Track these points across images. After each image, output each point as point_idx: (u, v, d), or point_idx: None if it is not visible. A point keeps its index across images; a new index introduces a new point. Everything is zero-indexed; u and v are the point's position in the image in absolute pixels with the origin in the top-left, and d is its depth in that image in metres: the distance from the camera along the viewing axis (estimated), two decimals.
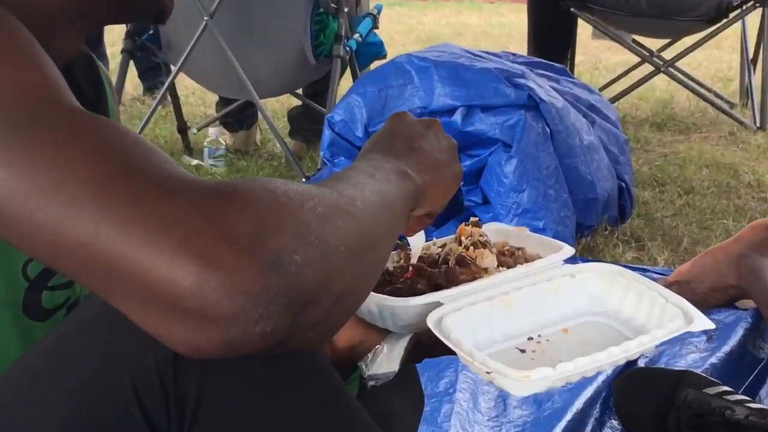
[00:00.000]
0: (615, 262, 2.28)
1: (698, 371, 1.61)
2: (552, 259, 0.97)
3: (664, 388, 1.53)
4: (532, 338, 0.92)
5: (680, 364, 1.74)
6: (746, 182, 3.06)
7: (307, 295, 0.61)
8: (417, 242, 1.00)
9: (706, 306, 1.87)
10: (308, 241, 0.61)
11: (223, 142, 3.38)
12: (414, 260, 1.00)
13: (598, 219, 2.53)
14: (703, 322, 0.85)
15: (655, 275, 2.09)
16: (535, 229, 2.22)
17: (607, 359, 0.80)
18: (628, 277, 0.95)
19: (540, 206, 2.37)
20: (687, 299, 1.93)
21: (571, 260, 1.00)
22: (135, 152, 0.63)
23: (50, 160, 0.61)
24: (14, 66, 0.65)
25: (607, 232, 2.54)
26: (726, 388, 1.51)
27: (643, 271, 2.17)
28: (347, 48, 3.13)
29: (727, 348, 1.79)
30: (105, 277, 0.61)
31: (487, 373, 0.79)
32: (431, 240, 1.04)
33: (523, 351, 0.91)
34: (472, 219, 1.05)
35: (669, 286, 1.69)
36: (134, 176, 0.61)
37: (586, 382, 1.58)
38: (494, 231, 1.06)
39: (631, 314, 0.93)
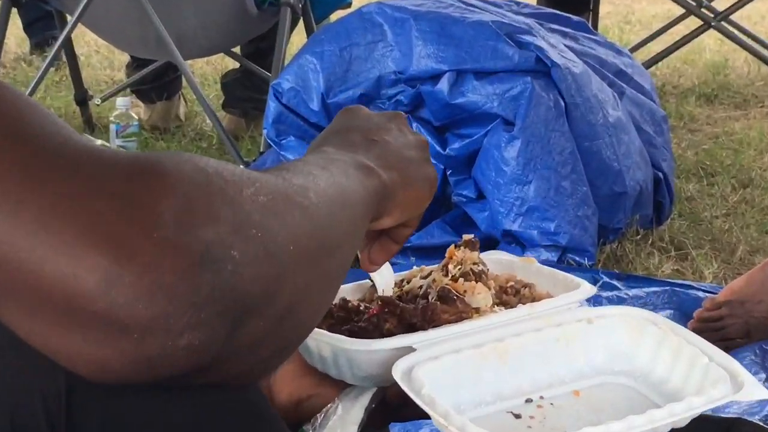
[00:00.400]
0: (648, 275, 2.15)
1: (755, 419, 1.53)
2: (565, 299, 0.91)
3: None
4: (531, 400, 0.85)
5: (733, 410, 1.61)
6: None
7: (246, 301, 0.54)
8: (382, 280, 0.91)
9: (766, 334, 1.78)
10: (249, 235, 0.54)
11: (136, 117, 3.20)
12: (383, 288, 0.94)
13: (627, 220, 2.41)
14: (756, 390, 0.78)
15: (701, 293, 1.98)
16: (545, 233, 2.16)
17: (625, 431, 0.76)
18: (663, 327, 0.89)
19: (551, 203, 2.22)
20: (741, 325, 1.71)
21: (590, 277, 1.09)
22: (26, 118, 0.56)
23: None
24: None
25: (639, 237, 2.39)
26: None
27: (686, 288, 2.06)
28: None
29: None
30: None
31: None
32: (414, 267, 0.99)
33: (518, 416, 0.84)
34: (465, 237, 0.98)
35: (718, 308, 1.77)
36: (26, 147, 0.54)
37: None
38: (494, 261, 1.00)
39: (664, 375, 0.87)
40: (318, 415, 0.86)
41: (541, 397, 0.86)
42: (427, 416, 0.78)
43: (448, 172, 2.26)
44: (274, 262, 0.56)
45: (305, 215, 0.61)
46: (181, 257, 0.51)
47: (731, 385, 0.78)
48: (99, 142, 2.94)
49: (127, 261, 0.50)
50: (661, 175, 2.48)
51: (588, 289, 0.91)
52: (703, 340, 0.87)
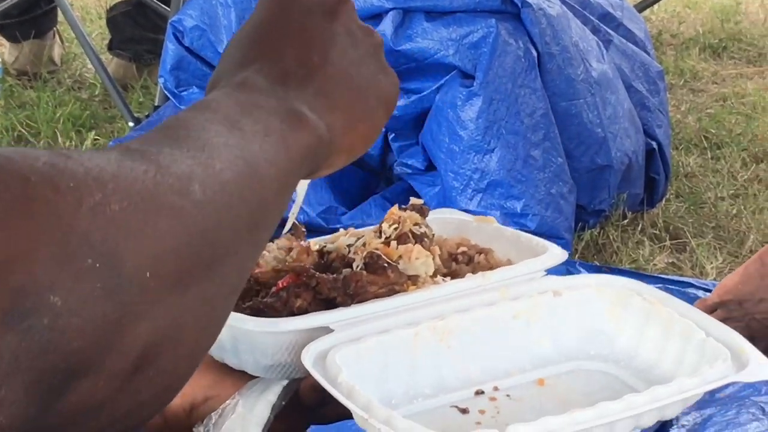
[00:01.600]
0: (637, 268, 2.03)
1: (759, 400, 1.60)
2: (527, 266, 0.85)
3: None
4: (483, 392, 0.78)
5: (732, 390, 1.61)
6: None
7: (71, 361, 0.44)
8: (300, 189, 0.79)
9: (766, 329, 1.58)
10: (81, 268, 0.43)
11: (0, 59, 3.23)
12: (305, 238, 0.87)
13: (612, 200, 2.21)
14: (763, 368, 0.73)
15: (701, 293, 1.83)
16: (510, 214, 1.99)
17: (594, 421, 0.68)
18: (649, 298, 0.83)
19: (518, 177, 2.03)
20: (742, 328, 1.58)
21: (563, 269, 1.03)
22: None
23: None
24: None
25: (626, 221, 2.20)
26: None
27: (683, 286, 1.91)
28: None
29: None
30: None
31: None
32: (341, 229, 0.89)
33: (465, 411, 0.77)
34: (413, 201, 0.90)
35: (712, 310, 1.60)
36: None
37: None
38: (444, 221, 0.94)
39: (653, 358, 0.81)
40: (213, 414, 0.79)
41: (496, 388, 0.79)
42: (351, 414, 0.75)
43: (390, 136, 2.12)
44: (117, 302, 0.45)
45: (180, 222, 0.50)
46: None
47: (733, 364, 0.73)
48: None
49: None
50: (655, 145, 2.36)
51: (558, 254, 0.86)
52: (699, 311, 0.82)
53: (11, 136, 2.70)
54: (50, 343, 0.44)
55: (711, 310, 1.67)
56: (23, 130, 2.66)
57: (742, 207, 2.30)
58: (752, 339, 1.79)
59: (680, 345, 0.80)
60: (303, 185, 0.80)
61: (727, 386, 1.54)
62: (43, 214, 0.44)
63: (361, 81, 0.69)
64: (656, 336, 0.82)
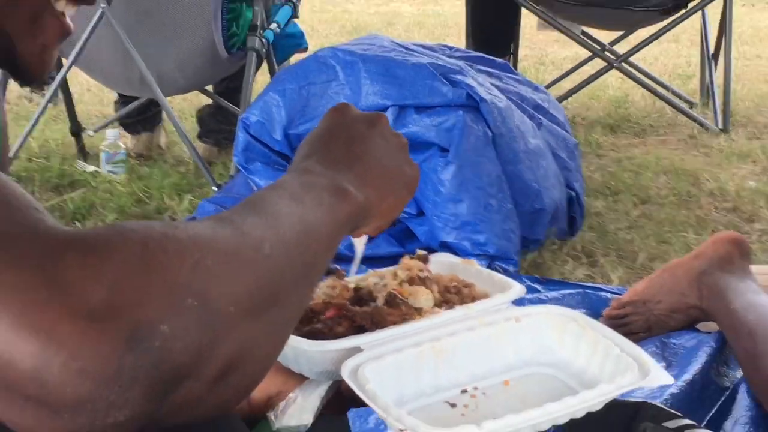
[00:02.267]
0: (564, 279, 2.25)
1: (657, 402, 1.54)
2: (498, 300, 0.95)
3: (620, 422, 1.40)
4: (466, 391, 0.88)
5: (637, 395, 1.63)
6: (708, 190, 2.93)
7: (176, 372, 0.52)
8: (358, 246, 0.92)
9: (664, 329, 1.83)
10: (183, 307, 0.52)
11: (123, 146, 3.23)
12: (352, 277, 0.97)
13: (545, 232, 2.43)
14: (659, 376, 0.84)
15: (608, 294, 2.04)
16: (477, 244, 2.21)
17: (543, 417, 0.77)
18: (582, 323, 0.93)
19: (481, 218, 2.24)
20: (643, 321, 1.72)
21: (520, 300, 0.97)
22: None
23: None
24: None
25: (555, 246, 2.42)
26: (687, 421, 1.42)
27: (595, 290, 2.14)
28: (264, 40, 3.00)
29: (688, 376, 1.70)
30: None
31: (401, 431, 0.78)
32: (369, 271, 1.02)
33: (453, 405, 0.87)
34: (418, 252, 1.03)
35: (623, 307, 1.82)
36: None
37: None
38: (441, 264, 1.04)
39: (583, 366, 0.91)
40: (281, 403, 0.88)
41: (475, 388, 0.88)
42: None
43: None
44: (208, 329, 0.54)
45: (254, 271, 0.59)
46: (104, 343, 0.50)
47: (639, 373, 0.83)
48: (91, 168, 3.09)
49: (55, 348, 0.49)
50: (573, 194, 2.56)
51: (519, 289, 0.95)
52: (616, 333, 0.91)
53: (134, 199, 2.85)
54: (160, 359, 0.51)
55: (623, 306, 1.81)
56: (141, 195, 2.86)
57: (635, 235, 2.49)
58: (649, 329, 1.78)
59: (602, 358, 0.89)
60: (362, 242, 0.91)
61: (633, 391, 1.85)
62: (156, 270, 0.53)
63: (390, 168, 0.79)
64: (586, 351, 0.91)
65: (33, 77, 0.85)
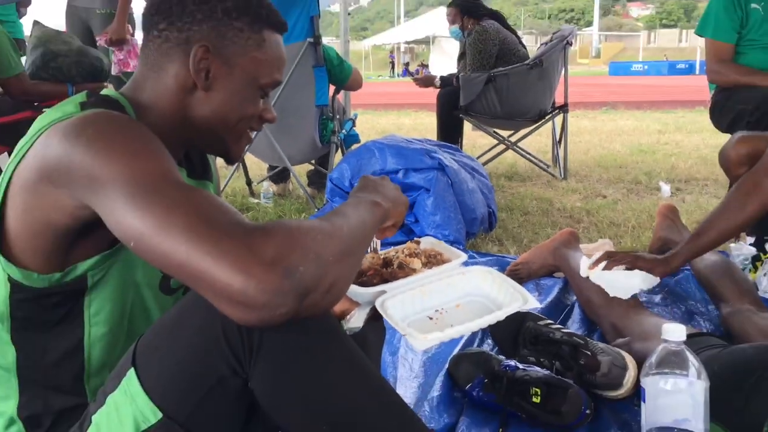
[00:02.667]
0: (486, 253, 2.53)
1: (534, 312, 1.71)
2: (453, 264, 1.04)
3: (516, 322, 1.64)
4: (438, 311, 1.02)
5: (524, 308, 1.69)
6: (557, 208, 3.37)
7: (307, 289, 0.70)
8: (377, 246, 1.08)
9: (537, 276, 2.12)
10: (309, 257, 0.71)
11: (271, 190, 3.63)
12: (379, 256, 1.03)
13: (477, 229, 2.78)
14: (532, 303, 0.97)
15: (508, 260, 2.35)
16: (443, 236, 2.56)
17: (475, 326, 0.92)
18: (494, 275, 1.05)
19: (446, 223, 2.66)
20: (526, 271, 2.18)
21: (467, 262, 1.08)
22: (210, 209, 0.73)
23: (163, 216, 0.72)
24: (145, 159, 0.78)
25: (483, 236, 2.81)
26: (550, 321, 1.62)
27: (501, 257, 2.46)
28: (339, 137, 3.53)
29: (550, 299, 1.96)
30: (193, 281, 0.71)
31: (404, 334, 0.91)
32: (392, 247, 1.11)
33: (431, 318, 1.01)
34: (414, 239, 1.14)
35: (516, 265, 2.14)
36: (209, 225, 0.71)
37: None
38: (427, 242, 1.14)
39: (495, 296, 1.04)
40: (348, 316, 1.00)
41: (442, 309, 1.03)
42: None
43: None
44: (321, 268, 0.72)
45: (339, 241, 0.76)
46: (274, 276, 0.68)
47: (522, 301, 0.98)
48: (256, 201, 3.58)
49: (251, 279, 0.68)
50: (491, 210, 2.92)
51: (464, 257, 1.05)
52: (511, 280, 1.03)
53: (277, 216, 3.40)
54: (300, 282, 0.69)
55: (516, 266, 2.15)
56: (281, 215, 3.40)
57: (521, 230, 2.95)
58: (529, 276, 2.12)
59: (505, 293, 1.03)
60: (378, 241, 1.06)
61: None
62: (296, 240, 0.71)
63: (395, 195, 0.97)
64: (497, 289, 1.05)
65: (235, 161, 1.03)
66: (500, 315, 0.95)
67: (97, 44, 3.39)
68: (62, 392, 0.91)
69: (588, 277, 1.67)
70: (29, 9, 4.04)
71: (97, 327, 0.91)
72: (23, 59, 2.98)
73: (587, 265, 1.68)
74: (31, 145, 0.82)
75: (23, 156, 0.83)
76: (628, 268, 1.60)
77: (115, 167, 0.74)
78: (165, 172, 0.76)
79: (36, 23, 3.05)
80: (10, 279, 0.85)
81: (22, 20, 3.97)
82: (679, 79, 23.45)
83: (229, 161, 1.01)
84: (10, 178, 0.84)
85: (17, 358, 0.89)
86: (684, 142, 5.92)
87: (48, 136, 0.80)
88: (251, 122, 0.99)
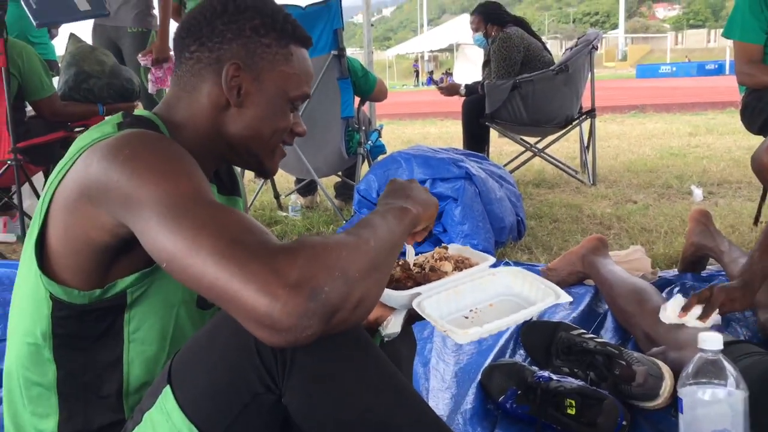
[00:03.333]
0: (516, 261, 2.56)
1: (567, 322, 1.72)
2: (482, 266, 1.06)
3: (549, 331, 1.63)
4: (472, 310, 1.04)
5: (556, 318, 1.88)
6: (586, 214, 3.35)
7: (333, 309, 0.71)
8: (410, 251, 1.08)
9: (567, 284, 2.12)
10: (334, 276, 0.71)
11: (299, 203, 3.67)
12: (411, 262, 1.07)
13: (506, 237, 2.80)
14: (565, 297, 0.98)
15: (538, 268, 2.32)
16: (472, 245, 2.48)
17: (512, 321, 0.94)
18: (524, 274, 1.07)
19: (475, 232, 2.66)
20: (555, 279, 2.12)
21: (495, 264, 1.09)
22: (238, 230, 0.74)
23: (192, 237, 0.73)
24: (178, 177, 0.79)
25: (512, 244, 2.81)
26: (582, 330, 1.61)
27: (532, 266, 2.43)
28: (365, 148, 3.55)
29: (581, 307, 1.95)
30: (222, 303, 0.72)
31: (444, 330, 0.91)
32: (420, 254, 1.12)
33: (466, 317, 1.03)
34: (442, 245, 1.16)
35: (546, 271, 2.14)
36: (236, 246, 0.72)
37: (503, 331, 1.75)
38: (454, 248, 1.16)
39: (527, 294, 1.05)
40: (383, 322, 1.00)
41: (476, 308, 1.04)
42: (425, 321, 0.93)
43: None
44: (347, 286, 0.73)
45: (366, 255, 0.77)
46: (299, 298, 0.69)
47: (555, 296, 0.99)
48: (284, 214, 3.62)
49: (276, 302, 0.69)
50: (519, 218, 2.90)
51: (493, 260, 1.07)
52: (542, 278, 1.05)
53: (305, 228, 3.35)
54: (326, 303, 0.70)
55: (546, 271, 2.16)
56: (308, 227, 3.36)
57: (551, 238, 2.94)
58: (558, 284, 1.59)
59: (536, 290, 1.05)
60: (411, 249, 1.07)
61: (554, 306, 1.73)
62: (320, 260, 0.71)
63: (424, 198, 0.97)
64: (527, 287, 1.07)
65: (270, 176, 1.05)
66: (536, 310, 0.96)
67: (142, 64, 3.46)
68: (101, 409, 0.92)
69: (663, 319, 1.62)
70: (60, 30, 4.22)
71: (136, 344, 0.92)
72: (56, 79, 3.04)
73: (675, 312, 1.56)
74: (72, 165, 0.85)
75: (64, 176, 0.85)
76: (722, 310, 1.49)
77: (149, 187, 0.76)
78: (197, 191, 0.77)
79: (72, 36, 3.10)
80: (52, 296, 0.87)
81: (54, 41, 4.18)
82: (709, 80, 23.13)
83: (264, 176, 1.04)
84: (52, 198, 0.86)
85: (58, 375, 0.91)
86: (715, 144, 5.85)
87: (87, 156, 0.83)
88: (283, 136, 1.00)
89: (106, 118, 3.13)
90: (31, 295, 0.89)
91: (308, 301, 0.69)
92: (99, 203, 0.80)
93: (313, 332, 0.69)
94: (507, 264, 2.37)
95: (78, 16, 3.28)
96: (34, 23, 3.23)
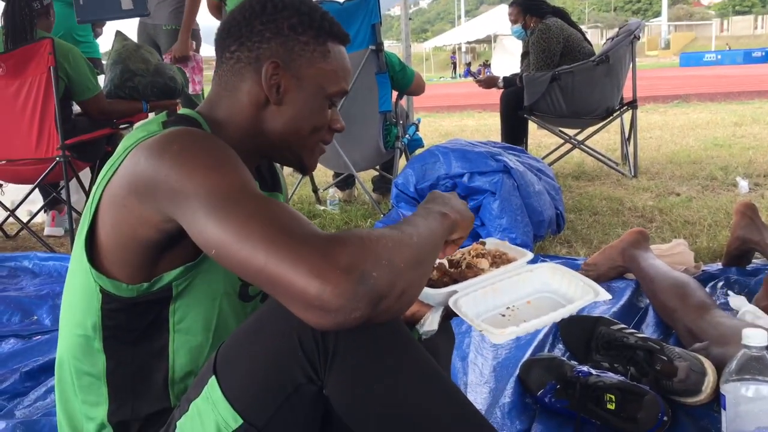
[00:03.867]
0: (555, 255, 2.53)
1: (607, 316, 1.70)
2: (519, 263, 1.06)
3: (588, 326, 1.62)
4: (509, 308, 1.04)
5: (596, 312, 1.88)
6: (627, 207, 3.33)
7: (380, 294, 0.73)
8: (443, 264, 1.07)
9: (607, 278, 2.11)
10: (381, 264, 0.73)
11: (337, 196, 3.73)
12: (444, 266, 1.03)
13: (545, 231, 2.78)
14: (604, 295, 0.97)
15: (578, 262, 2.34)
16: (510, 239, 2.57)
17: (549, 320, 0.94)
18: (562, 270, 1.07)
19: (513, 226, 2.66)
20: (595, 274, 2.13)
21: (533, 260, 1.08)
22: (286, 219, 0.76)
23: (242, 225, 0.75)
24: (223, 171, 0.81)
25: (551, 238, 2.81)
26: (623, 325, 1.60)
27: (571, 260, 2.44)
28: (402, 142, 3.58)
29: (621, 302, 1.94)
30: (271, 287, 0.74)
31: (481, 330, 0.92)
32: (457, 251, 1.08)
33: (503, 315, 1.03)
34: (480, 240, 1.16)
35: (586, 266, 2.14)
36: (286, 233, 0.74)
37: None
38: (492, 242, 1.16)
39: (565, 291, 1.05)
40: (422, 320, 1.01)
41: (513, 306, 1.04)
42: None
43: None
44: (393, 274, 0.74)
45: (410, 248, 0.79)
46: (348, 282, 0.71)
47: (593, 294, 0.98)
48: (322, 208, 3.64)
49: (327, 285, 0.71)
50: (558, 211, 2.88)
51: (530, 255, 1.08)
52: (580, 275, 1.04)
53: (343, 222, 3.43)
54: (374, 288, 0.72)
55: (585, 266, 2.16)
56: (347, 220, 3.44)
57: (591, 231, 2.92)
58: (598, 278, 2.01)
59: (574, 286, 1.03)
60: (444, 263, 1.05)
61: (593, 304, 1.73)
62: (368, 249, 0.74)
63: (461, 208, 0.97)
64: (565, 283, 1.05)
65: (309, 172, 1.07)
66: (574, 308, 0.96)
67: (164, 61, 3.45)
68: (148, 398, 0.95)
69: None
70: (104, 29, 4.32)
71: (180, 334, 0.95)
72: (101, 77, 3.12)
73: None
74: (120, 163, 0.88)
75: (113, 174, 0.89)
76: None
77: (197, 180, 0.79)
78: (243, 183, 0.79)
79: (118, 34, 3.17)
80: (101, 289, 0.91)
81: (98, 39, 4.27)
82: (756, 68, 22.51)
83: (303, 172, 1.07)
84: (102, 195, 0.89)
85: (107, 366, 0.94)
86: (762, 134, 5.74)
87: (135, 154, 0.86)
88: (322, 133, 1.02)
89: (150, 116, 2.98)
90: (81, 288, 0.92)
91: (358, 285, 0.71)
92: (147, 199, 0.83)
93: (360, 315, 0.71)
94: (544, 260, 2.34)
95: (121, 14, 3.37)
96: (77, 19, 3.34)
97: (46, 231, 3.44)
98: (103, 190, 0.89)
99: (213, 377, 0.83)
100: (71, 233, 3.04)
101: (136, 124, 2.91)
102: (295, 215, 0.76)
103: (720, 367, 1.22)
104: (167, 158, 0.82)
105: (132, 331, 0.93)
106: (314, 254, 0.71)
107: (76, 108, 3.01)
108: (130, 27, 3.76)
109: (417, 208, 0.92)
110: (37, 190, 3.15)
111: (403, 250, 0.76)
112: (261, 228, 0.73)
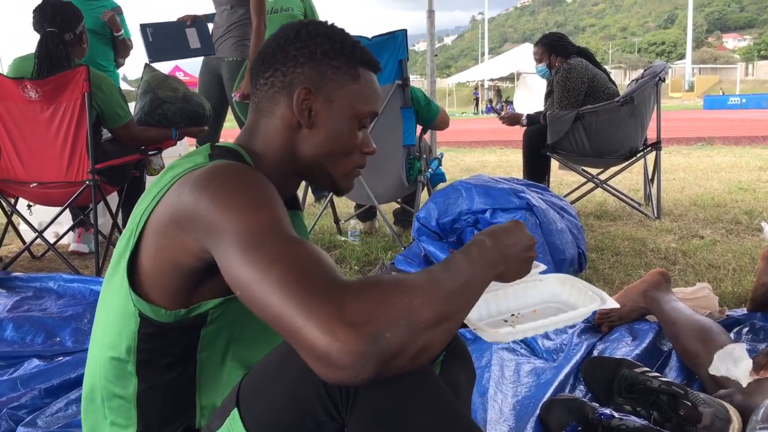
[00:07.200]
0: None
1: (629, 359, 1.69)
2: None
3: (611, 368, 1.61)
4: (514, 315, 1.06)
5: (618, 354, 1.86)
6: (650, 248, 3.31)
7: (390, 355, 0.71)
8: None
9: (629, 320, 2.10)
10: (398, 324, 0.71)
11: (358, 228, 3.73)
12: None
13: (567, 270, 2.71)
14: (611, 303, 0.97)
15: None
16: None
17: (550, 324, 0.91)
18: (572, 281, 1.10)
19: (537, 261, 2.35)
20: (617, 316, 2.09)
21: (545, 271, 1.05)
22: (309, 265, 0.75)
23: (264, 269, 0.74)
24: (259, 209, 0.81)
25: None
26: (646, 368, 1.60)
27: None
28: (425, 176, 3.57)
29: (644, 344, 1.92)
30: (285, 335, 0.73)
31: (475, 328, 0.91)
32: None
33: (506, 321, 1.05)
34: None
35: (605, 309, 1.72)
36: (304, 281, 0.73)
37: (564, 362, 1.76)
38: None
39: (574, 302, 1.06)
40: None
41: (519, 313, 1.05)
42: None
43: None
44: (411, 334, 0.72)
45: (439, 304, 0.75)
46: (359, 340, 0.69)
47: (600, 302, 0.99)
48: (343, 238, 3.65)
49: (337, 341, 0.69)
50: (580, 250, 2.84)
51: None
52: (591, 285, 1.03)
53: (364, 254, 3.39)
54: (384, 349, 0.70)
55: (605, 310, 2.06)
56: (367, 252, 3.43)
57: (612, 272, 2.88)
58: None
59: (583, 296, 1.04)
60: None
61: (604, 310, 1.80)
62: (386, 305, 0.72)
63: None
64: (574, 293, 1.07)
65: (344, 194, 1.06)
66: (577, 315, 0.94)
67: (234, 99, 3.62)
68: (175, 421, 0.96)
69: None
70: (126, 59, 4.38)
71: (209, 360, 0.97)
72: (131, 104, 3.15)
73: (748, 370, 1.50)
74: (167, 191, 0.90)
75: (159, 201, 0.91)
76: None
77: (232, 218, 0.80)
78: (275, 223, 0.80)
79: (147, 66, 3.26)
80: (140, 314, 0.92)
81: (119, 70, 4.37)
82: None
83: (338, 193, 1.08)
84: (147, 221, 0.91)
85: (138, 389, 0.95)
86: None
87: (180, 185, 0.88)
88: (355, 156, 1.03)
89: (179, 144, 3.16)
90: (119, 311, 0.93)
91: (368, 344, 0.69)
92: (187, 229, 0.85)
93: (369, 375, 0.70)
94: None
95: (189, 54, 3.54)
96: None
97: (72, 246, 3.48)
98: (148, 217, 0.92)
99: (235, 410, 0.83)
100: (96, 255, 3.05)
101: (183, 154, 2.92)
102: (320, 260, 0.76)
103: (745, 415, 1.19)
104: (208, 193, 0.84)
105: (165, 356, 0.94)
106: (328, 307, 0.70)
107: (105, 133, 3.08)
108: (194, 60, 3.88)
109: (474, 237, 0.89)
110: (65, 211, 3.13)
111: (429, 307, 0.73)
112: (281, 274, 0.73)
